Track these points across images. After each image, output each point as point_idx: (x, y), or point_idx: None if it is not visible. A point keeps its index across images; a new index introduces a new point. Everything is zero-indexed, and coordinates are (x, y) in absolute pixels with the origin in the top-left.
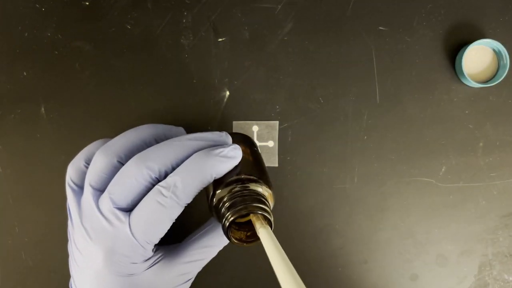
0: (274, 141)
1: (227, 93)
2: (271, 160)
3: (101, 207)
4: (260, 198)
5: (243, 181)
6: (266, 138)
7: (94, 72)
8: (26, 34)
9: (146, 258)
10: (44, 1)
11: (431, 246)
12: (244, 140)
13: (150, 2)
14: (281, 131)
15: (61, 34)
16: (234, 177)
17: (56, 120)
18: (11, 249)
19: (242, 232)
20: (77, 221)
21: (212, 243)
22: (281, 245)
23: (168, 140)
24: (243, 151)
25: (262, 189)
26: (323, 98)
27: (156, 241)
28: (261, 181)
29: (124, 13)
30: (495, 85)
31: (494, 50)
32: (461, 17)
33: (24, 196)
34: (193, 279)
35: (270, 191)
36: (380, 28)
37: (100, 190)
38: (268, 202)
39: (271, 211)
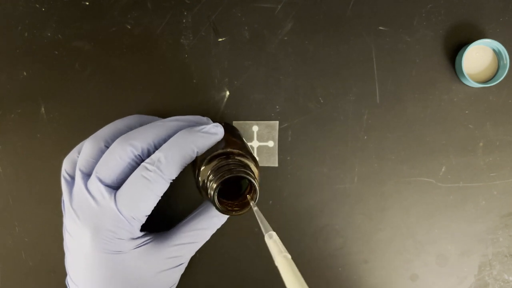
0: (274, 141)
1: (227, 93)
2: (271, 160)
3: (89, 187)
4: (246, 169)
5: (228, 154)
6: (266, 138)
7: (94, 72)
8: (26, 34)
9: (134, 236)
10: (44, 1)
11: (431, 246)
12: (227, 126)
13: (150, 2)
14: (281, 131)
15: (61, 34)
16: (220, 151)
17: (56, 120)
18: (11, 249)
19: (232, 203)
20: (68, 206)
21: (202, 226)
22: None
23: (151, 123)
24: (228, 134)
25: (249, 162)
26: (323, 98)
27: (142, 218)
28: (248, 157)
29: (124, 13)
30: (495, 85)
31: (494, 50)
32: (461, 17)
33: (24, 196)
34: (185, 264)
35: (256, 170)
36: (380, 28)
37: (89, 174)
38: (255, 176)
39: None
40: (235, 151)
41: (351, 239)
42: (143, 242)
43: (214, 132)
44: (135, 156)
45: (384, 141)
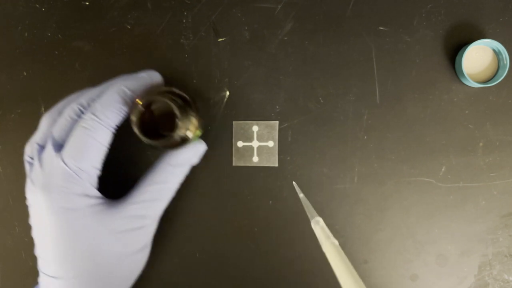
0: (274, 141)
1: (227, 93)
2: (271, 160)
3: (43, 155)
4: (173, 98)
5: (162, 93)
6: (266, 138)
7: (94, 72)
8: (26, 34)
9: (87, 193)
10: (44, 1)
11: (431, 246)
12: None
13: (150, 2)
14: (281, 131)
15: (61, 34)
16: (164, 89)
17: None
18: (11, 249)
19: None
20: (28, 181)
21: (160, 179)
22: (281, 244)
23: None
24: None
25: (184, 104)
26: (323, 98)
27: (91, 170)
28: (190, 102)
29: (124, 13)
30: (495, 85)
31: (494, 50)
32: (461, 17)
33: (24, 196)
34: (152, 228)
35: (196, 120)
36: (380, 28)
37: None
38: (181, 103)
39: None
40: (168, 89)
41: (351, 239)
42: (100, 202)
43: (146, 76)
44: (82, 112)
45: (384, 141)
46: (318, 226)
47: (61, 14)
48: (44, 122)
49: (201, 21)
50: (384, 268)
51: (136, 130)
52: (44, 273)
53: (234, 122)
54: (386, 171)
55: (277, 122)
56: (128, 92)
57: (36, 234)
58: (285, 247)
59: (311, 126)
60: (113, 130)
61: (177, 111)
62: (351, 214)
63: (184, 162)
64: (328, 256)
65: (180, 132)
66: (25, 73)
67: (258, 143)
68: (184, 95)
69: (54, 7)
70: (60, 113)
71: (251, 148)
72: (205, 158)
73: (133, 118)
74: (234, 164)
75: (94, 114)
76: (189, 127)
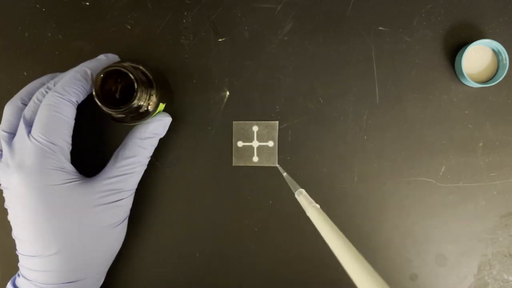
0: (274, 141)
1: (227, 93)
2: (271, 160)
3: (15, 138)
4: (132, 69)
5: (124, 67)
6: (266, 138)
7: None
8: (27, 34)
9: (63, 167)
10: (44, 1)
11: (431, 246)
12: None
13: (150, 2)
14: (281, 131)
15: (61, 34)
16: (126, 63)
17: None
18: (11, 249)
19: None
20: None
21: (131, 153)
22: (281, 244)
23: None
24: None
25: (151, 83)
26: (323, 98)
27: (62, 143)
28: (151, 78)
29: (124, 13)
30: (494, 85)
31: (494, 50)
32: (461, 17)
33: None
34: (128, 202)
35: (156, 96)
36: (380, 28)
37: (13, 133)
38: (136, 76)
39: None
40: (130, 64)
41: (351, 238)
42: (76, 177)
43: (105, 58)
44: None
45: (384, 141)
46: (302, 195)
47: (61, 14)
48: (7, 110)
49: (201, 21)
50: (384, 268)
51: (95, 98)
52: (24, 255)
53: (234, 122)
54: (386, 171)
55: (277, 122)
56: (89, 71)
57: (13, 216)
58: (285, 247)
59: (311, 126)
60: (75, 105)
61: (133, 78)
62: (351, 214)
63: (151, 135)
64: (311, 218)
65: (139, 102)
66: (25, 73)
67: (258, 143)
68: (145, 71)
69: (54, 7)
70: (21, 100)
71: (251, 148)
72: (205, 158)
73: (93, 87)
74: (234, 164)
75: (55, 92)
76: (150, 102)
